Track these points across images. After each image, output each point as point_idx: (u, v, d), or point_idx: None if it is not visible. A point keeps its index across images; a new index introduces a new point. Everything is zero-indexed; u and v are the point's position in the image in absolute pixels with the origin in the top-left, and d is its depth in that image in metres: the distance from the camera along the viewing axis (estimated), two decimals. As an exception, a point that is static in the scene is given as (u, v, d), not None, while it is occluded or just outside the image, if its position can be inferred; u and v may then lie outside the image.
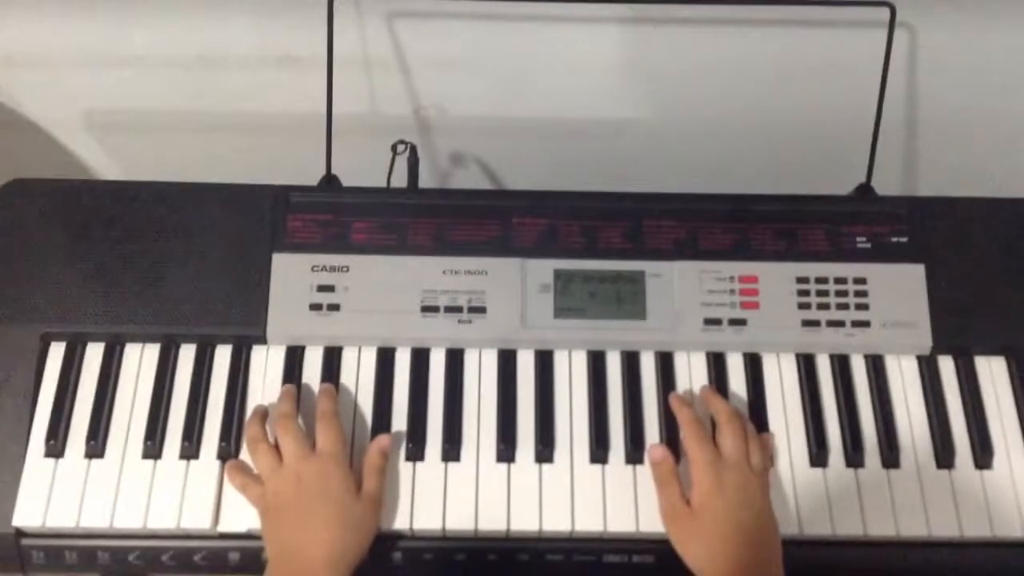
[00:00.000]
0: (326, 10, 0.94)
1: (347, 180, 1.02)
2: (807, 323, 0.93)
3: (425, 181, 1.13)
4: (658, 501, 0.85)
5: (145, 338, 0.93)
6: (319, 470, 0.84)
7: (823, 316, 0.93)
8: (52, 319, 0.92)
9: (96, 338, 0.92)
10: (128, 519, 0.86)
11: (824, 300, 0.94)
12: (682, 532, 0.83)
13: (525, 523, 0.87)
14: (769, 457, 0.88)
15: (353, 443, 0.89)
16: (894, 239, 0.95)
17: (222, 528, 0.86)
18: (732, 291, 0.94)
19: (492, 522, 0.86)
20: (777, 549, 0.83)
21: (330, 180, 1.00)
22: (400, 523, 0.86)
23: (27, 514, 0.85)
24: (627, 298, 0.94)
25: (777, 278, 0.94)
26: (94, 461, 0.88)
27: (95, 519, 0.86)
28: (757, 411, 0.91)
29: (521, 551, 0.87)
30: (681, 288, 0.94)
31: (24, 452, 0.88)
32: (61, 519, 0.85)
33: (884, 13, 0.94)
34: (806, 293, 0.94)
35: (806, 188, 0.99)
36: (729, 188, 1.00)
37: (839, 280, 0.94)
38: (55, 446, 0.88)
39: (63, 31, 1.02)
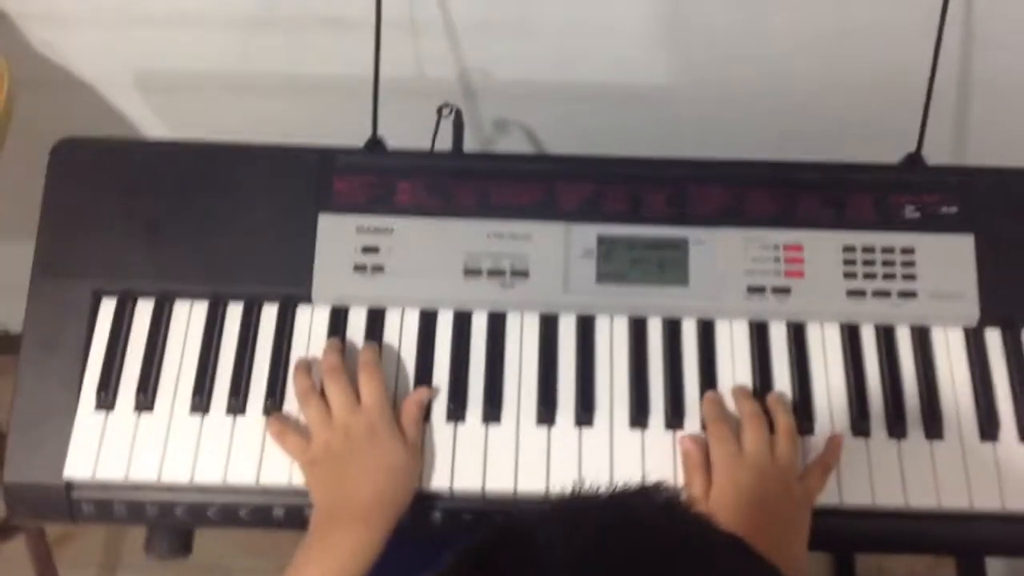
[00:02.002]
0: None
1: (393, 143, 1.02)
2: (852, 293, 0.92)
3: (469, 145, 1.13)
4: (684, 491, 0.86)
5: (193, 295, 0.94)
6: (367, 423, 0.85)
7: (869, 286, 0.92)
8: (103, 276, 0.93)
9: (146, 294, 0.94)
10: (175, 473, 0.88)
11: (870, 270, 0.93)
12: None
13: (564, 486, 0.87)
14: (797, 451, 0.86)
15: (396, 405, 0.90)
16: (943, 209, 0.94)
17: (263, 480, 0.87)
18: (776, 259, 0.93)
19: (531, 484, 0.87)
20: (801, 547, 0.82)
21: (376, 143, 1.00)
22: (440, 483, 0.88)
23: (78, 466, 0.88)
24: (670, 264, 0.93)
25: (823, 247, 0.93)
26: (143, 415, 0.90)
27: (143, 472, 0.88)
28: (800, 381, 0.91)
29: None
30: (724, 255, 0.93)
31: (76, 405, 0.90)
32: (110, 472, 0.88)
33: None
34: (852, 262, 0.93)
35: (854, 156, 0.98)
36: (775, 155, 0.99)
37: (886, 250, 0.93)
38: (105, 399, 0.90)
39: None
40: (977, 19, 0.98)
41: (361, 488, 0.83)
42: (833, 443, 0.87)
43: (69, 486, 0.88)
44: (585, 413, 0.90)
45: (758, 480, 0.83)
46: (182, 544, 0.94)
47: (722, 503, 0.82)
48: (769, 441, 0.85)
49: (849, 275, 0.93)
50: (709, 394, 0.90)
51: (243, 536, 1.53)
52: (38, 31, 1.08)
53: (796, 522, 0.83)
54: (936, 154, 0.97)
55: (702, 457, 0.86)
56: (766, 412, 0.88)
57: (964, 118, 1.08)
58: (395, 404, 0.90)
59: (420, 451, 0.87)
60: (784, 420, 0.87)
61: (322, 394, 0.88)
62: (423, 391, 0.89)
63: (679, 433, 0.89)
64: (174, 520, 0.90)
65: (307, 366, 0.90)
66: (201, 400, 0.90)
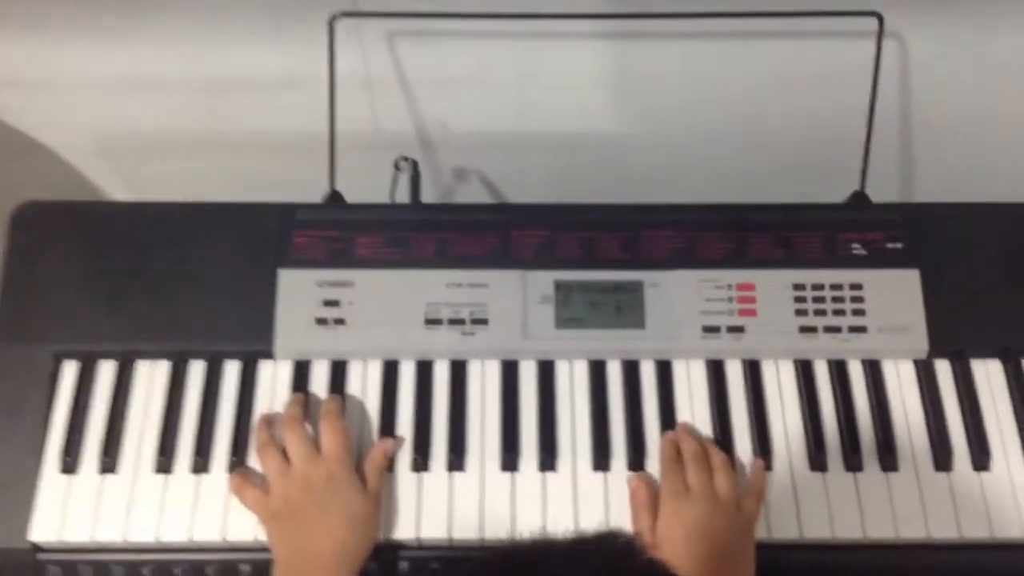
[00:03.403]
0: (327, 31, 0.96)
1: (351, 196, 1.04)
2: (804, 329, 0.94)
3: (427, 196, 1.15)
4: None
5: (156, 355, 0.95)
6: (327, 472, 0.85)
7: (820, 322, 0.95)
8: (65, 339, 0.94)
9: (108, 356, 0.94)
10: (141, 533, 0.88)
11: (821, 306, 0.95)
12: None
13: (530, 531, 0.88)
14: (735, 483, 0.88)
15: (359, 456, 0.91)
16: (889, 245, 0.97)
17: (229, 537, 0.88)
18: (730, 299, 0.95)
19: (498, 530, 0.88)
20: (748, 574, 0.84)
21: (334, 197, 1.01)
22: (406, 532, 0.88)
23: (43, 529, 0.87)
24: (627, 307, 0.95)
25: (774, 285, 0.96)
26: (108, 476, 0.90)
27: (109, 533, 0.88)
28: (758, 417, 0.93)
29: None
30: (679, 297, 0.95)
31: (40, 468, 0.90)
32: (76, 534, 0.87)
33: (872, 23, 0.96)
34: (803, 300, 0.95)
35: (801, 196, 1.00)
36: (726, 198, 1.01)
37: (835, 286, 0.95)
38: (70, 462, 0.90)
39: (70, 55, 1.04)
40: (914, 61, 1.02)
41: (321, 539, 0.83)
42: (756, 468, 0.90)
43: (35, 549, 0.88)
44: (548, 458, 0.91)
45: (702, 513, 0.85)
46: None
47: (669, 536, 0.84)
48: (710, 476, 0.87)
49: (800, 312, 0.95)
50: (666, 434, 0.91)
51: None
52: (-2, 97, 1.09)
53: (741, 549, 0.85)
54: (883, 191, 1.00)
55: (648, 495, 0.87)
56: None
57: (906, 156, 1.12)
58: (359, 456, 0.90)
59: (380, 500, 0.87)
60: (718, 456, 0.89)
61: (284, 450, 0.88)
62: (389, 442, 0.90)
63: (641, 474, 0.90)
64: (140, 582, 0.90)
65: (268, 421, 0.90)
66: (165, 460, 0.90)
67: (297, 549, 0.83)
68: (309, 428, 0.90)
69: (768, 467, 0.91)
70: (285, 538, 0.85)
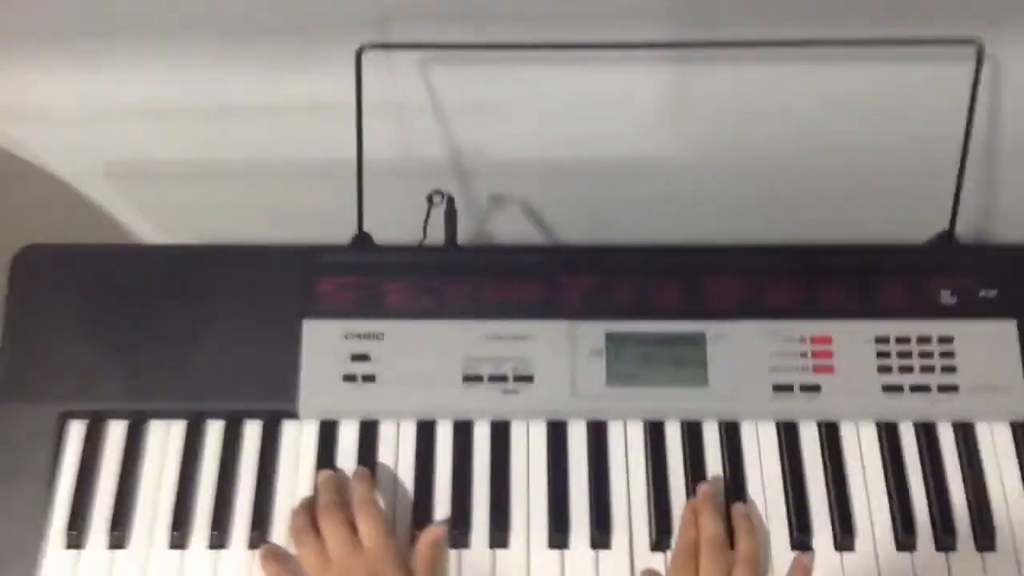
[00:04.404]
0: (354, 59, 0.87)
1: (381, 230, 0.95)
2: (888, 388, 0.85)
3: (464, 226, 1.06)
4: None
5: (169, 415, 0.87)
6: (369, 569, 0.77)
7: (906, 380, 0.85)
8: (70, 396, 0.86)
9: (118, 415, 0.87)
10: (153, 616, 0.80)
11: (906, 362, 0.85)
12: None
13: (581, 616, 0.79)
14: None
15: (394, 527, 0.82)
16: (982, 292, 0.87)
17: (253, 625, 0.80)
18: (804, 353, 0.86)
19: (545, 616, 0.79)
20: None
21: (362, 238, 0.93)
22: (445, 619, 0.80)
23: (47, 611, 0.80)
24: (687, 362, 0.86)
25: (853, 338, 0.86)
26: (117, 552, 0.82)
27: (119, 616, 0.80)
28: (837, 487, 0.83)
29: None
30: (746, 350, 0.86)
31: (43, 543, 0.82)
32: (83, 616, 0.80)
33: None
34: (886, 355, 0.85)
35: (879, 237, 0.90)
36: (792, 236, 0.92)
37: (922, 339, 0.86)
38: (76, 537, 0.82)
39: (81, 82, 0.96)
40: (1009, 89, 0.91)
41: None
42: (797, 565, 0.79)
43: (38, 633, 0.80)
44: (601, 535, 0.82)
45: None
46: None
47: None
48: (727, 573, 0.77)
49: (884, 368, 0.85)
50: (688, 505, 0.82)
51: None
52: (4, 127, 1.01)
53: None
54: (970, 232, 0.90)
55: None
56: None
57: (998, 192, 1.00)
58: (393, 531, 0.82)
59: None
60: (746, 545, 0.79)
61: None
62: (437, 529, 0.81)
63: (705, 553, 0.81)
64: (154, 666, 0.82)
65: (309, 504, 0.82)
66: (180, 535, 0.82)
67: None
68: (345, 513, 0.81)
69: (850, 547, 0.81)
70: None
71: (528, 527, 0.83)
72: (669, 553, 0.81)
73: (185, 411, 0.87)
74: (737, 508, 0.82)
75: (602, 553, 0.82)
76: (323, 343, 0.86)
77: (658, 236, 0.93)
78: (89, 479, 0.84)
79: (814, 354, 0.86)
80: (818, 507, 0.83)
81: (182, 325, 0.88)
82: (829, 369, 0.85)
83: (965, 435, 0.85)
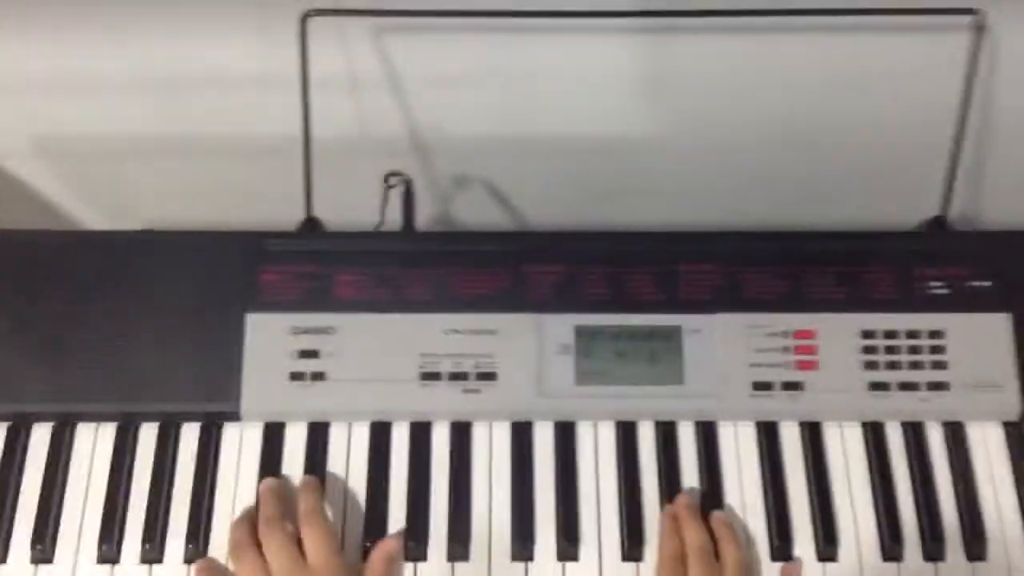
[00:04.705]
0: (298, 26, 0.80)
1: (333, 214, 0.89)
2: (875, 386, 0.79)
3: (424, 209, 1.00)
4: None
5: (99, 417, 0.80)
6: None
7: (893, 377, 0.79)
8: (-11, 397, 0.79)
9: (42, 418, 0.80)
10: (81, 638, 0.73)
11: (894, 358, 0.80)
12: None
13: (548, 635, 0.74)
14: None
15: (344, 541, 0.76)
16: (975, 283, 0.81)
17: (191, 648, 0.73)
18: (785, 348, 0.80)
19: (508, 634, 0.74)
20: None
21: (311, 223, 0.86)
22: (400, 640, 0.74)
23: (-37, 634, 0.73)
24: (662, 359, 0.80)
25: (838, 332, 0.80)
26: (42, 568, 0.75)
27: (43, 639, 0.73)
28: (819, 492, 0.78)
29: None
30: (725, 346, 0.80)
31: (-42, 559, 0.75)
32: (4, 639, 0.73)
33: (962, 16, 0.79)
34: (873, 350, 0.80)
35: (866, 221, 0.85)
36: (774, 221, 0.86)
37: (911, 334, 0.80)
38: (-5, 551, 0.75)
39: (4, 51, 0.88)
40: (1008, 63, 0.85)
41: None
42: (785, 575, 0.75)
43: (-44, 656, 0.73)
44: (569, 546, 0.76)
45: None
46: None
47: None
48: None
49: (870, 365, 0.80)
50: (667, 511, 0.76)
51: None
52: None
53: None
54: (965, 217, 0.84)
55: None
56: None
57: (988, 173, 0.94)
58: (343, 543, 0.76)
59: None
60: (732, 554, 0.74)
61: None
62: (391, 542, 0.75)
63: (680, 564, 0.75)
64: None
65: (251, 516, 0.75)
66: (110, 548, 0.76)
67: None
68: (290, 526, 0.74)
69: (832, 556, 0.76)
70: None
71: (490, 538, 0.77)
72: (641, 565, 0.76)
73: (116, 413, 0.80)
74: (717, 516, 0.76)
75: (569, 565, 0.76)
76: (268, 338, 0.80)
77: (631, 221, 0.87)
78: (10, 487, 0.77)
79: (797, 349, 0.80)
80: (799, 514, 0.78)
81: (113, 319, 0.81)
82: (812, 365, 0.80)
83: (955, 436, 0.80)
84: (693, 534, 0.74)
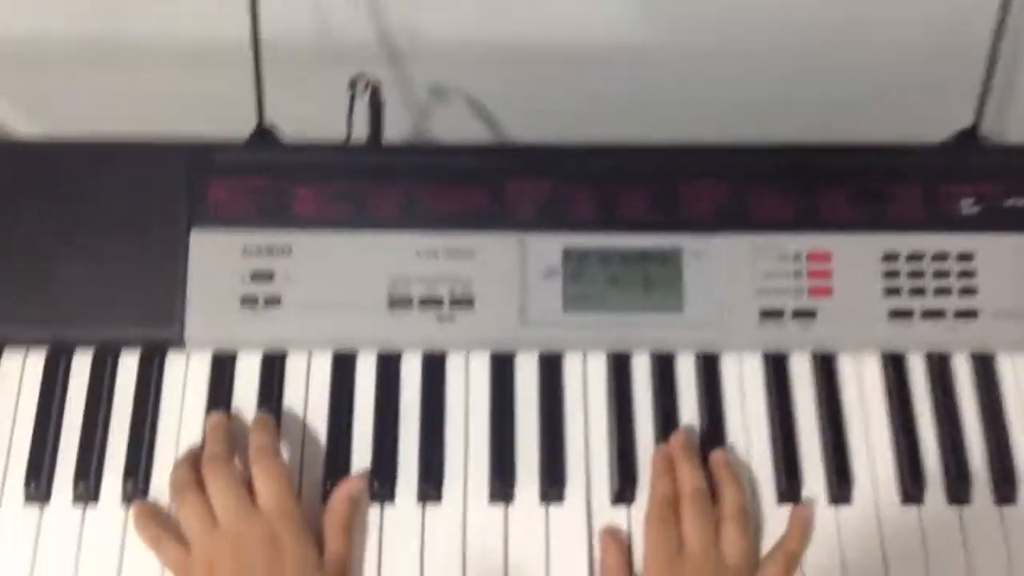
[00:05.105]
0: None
1: (295, 128, 0.79)
2: (896, 313, 0.72)
3: (399, 123, 0.91)
4: None
5: (27, 342, 0.72)
6: (265, 534, 0.63)
7: (917, 304, 0.72)
8: (-98, 320, 0.70)
9: (-37, 344, 0.71)
10: (7, 585, 0.66)
11: (918, 283, 0.72)
12: None
13: (529, 583, 0.66)
14: (750, 538, 0.66)
15: (301, 483, 0.68)
16: (1009, 201, 0.73)
17: (126, 592, 0.66)
18: (797, 273, 0.72)
19: (484, 584, 0.66)
20: None
21: (263, 133, 0.77)
22: (365, 588, 0.66)
23: None
24: (659, 283, 0.72)
25: (856, 255, 0.72)
26: (-38, 509, 0.67)
27: (-36, 587, 0.66)
28: (832, 430, 0.70)
29: (523, 619, 0.67)
30: (730, 269, 0.72)
31: None
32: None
33: None
34: (894, 274, 0.72)
35: (889, 134, 0.76)
36: (785, 133, 0.77)
37: (938, 256, 0.72)
38: (-92, 492, 0.67)
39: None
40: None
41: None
42: (796, 519, 0.67)
43: None
44: (553, 486, 0.68)
45: None
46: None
47: None
48: (714, 531, 0.65)
49: (891, 291, 0.72)
50: (658, 451, 0.69)
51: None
52: None
53: None
54: (999, 129, 0.76)
55: (621, 558, 0.66)
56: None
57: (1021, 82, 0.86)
58: (301, 487, 0.68)
59: (347, 568, 0.65)
60: (732, 497, 0.67)
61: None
62: (354, 482, 0.67)
63: (674, 507, 0.68)
64: (12, 643, 0.67)
65: (195, 456, 0.67)
66: (39, 487, 0.68)
67: None
68: (238, 464, 0.66)
69: (846, 499, 0.69)
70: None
71: (465, 478, 0.69)
72: (633, 507, 0.68)
73: (47, 338, 0.71)
74: (717, 456, 0.69)
75: (554, 508, 0.68)
76: (216, 258, 0.71)
77: (626, 135, 0.79)
78: (-74, 422, 0.69)
79: (810, 273, 0.72)
80: (810, 453, 0.70)
81: (45, 235, 0.72)
82: (827, 291, 0.72)
83: (984, 368, 0.72)
84: (688, 476, 0.67)
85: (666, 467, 0.68)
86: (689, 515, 0.66)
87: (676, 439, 0.69)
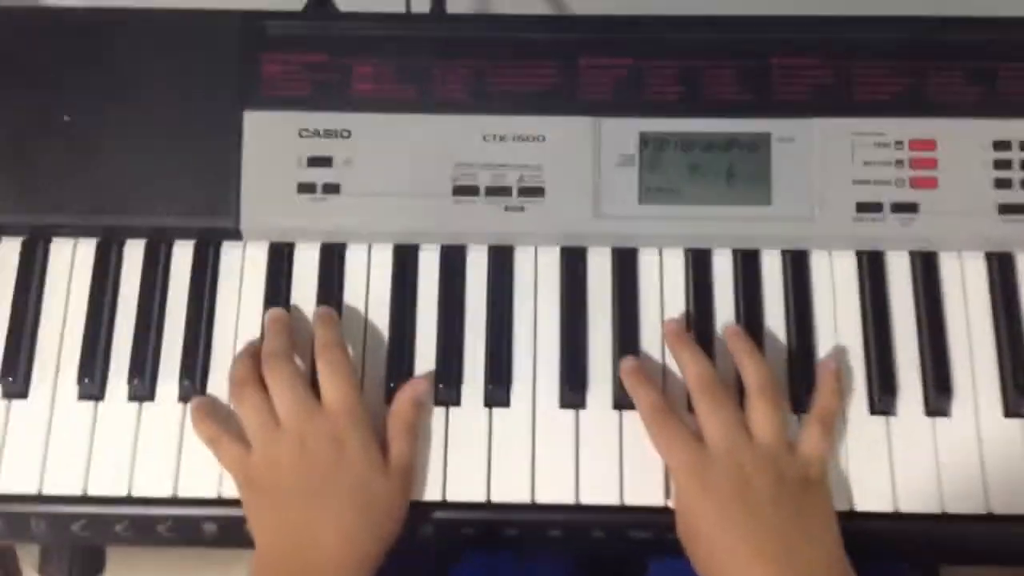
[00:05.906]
0: None
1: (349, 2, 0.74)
2: (1006, 208, 0.65)
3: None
4: None
5: (77, 231, 0.69)
6: (330, 434, 0.60)
7: (1030, 198, 0.65)
8: (-53, 208, 0.67)
9: (11, 231, 0.69)
10: (63, 481, 0.64)
11: (1032, 175, 0.66)
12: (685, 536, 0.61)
13: (598, 493, 0.63)
14: (779, 415, 0.61)
15: (362, 380, 0.65)
16: None
17: (182, 492, 0.64)
18: (899, 162, 0.66)
19: (554, 489, 0.63)
20: (822, 547, 0.59)
21: (321, 1, 0.71)
22: (431, 492, 0.63)
23: (-71, 473, 0.64)
24: (744, 173, 0.66)
25: (964, 142, 0.66)
26: (15, 403, 0.65)
27: (21, 481, 0.64)
28: (932, 332, 0.65)
29: (595, 526, 0.64)
30: (823, 157, 0.66)
31: (-84, 391, 0.65)
32: (-26, 480, 0.64)
33: None
34: (1006, 164, 0.66)
35: (1002, 6, 0.68)
36: (888, 6, 0.70)
37: (1057, 145, 0.66)
38: (-42, 384, 0.65)
39: None
40: None
41: (322, 534, 0.58)
42: (825, 373, 0.63)
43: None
44: (626, 391, 0.64)
45: (732, 478, 0.59)
46: (90, 564, 0.71)
47: (692, 528, 0.59)
48: (739, 414, 0.61)
49: (1002, 183, 0.66)
50: (669, 324, 0.65)
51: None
52: None
53: (803, 515, 0.58)
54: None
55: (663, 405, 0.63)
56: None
57: None
58: (363, 386, 0.65)
59: (410, 472, 0.62)
60: (754, 371, 0.62)
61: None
62: (418, 384, 0.64)
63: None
64: (72, 537, 0.66)
65: (255, 351, 0.64)
66: (92, 383, 0.65)
67: (286, 544, 0.59)
68: (300, 363, 0.63)
69: (944, 411, 0.64)
70: (270, 523, 0.60)
71: (534, 381, 0.65)
72: (713, 414, 0.64)
73: (96, 227, 0.68)
74: (730, 330, 0.65)
75: (626, 413, 0.64)
76: (271, 142, 0.67)
77: (711, 7, 0.72)
78: (-25, 312, 0.67)
79: (912, 163, 0.66)
80: (906, 361, 0.65)
81: (92, 116, 0.68)
82: (930, 183, 0.66)
83: (1105, 270, 0.66)
84: (689, 363, 0.63)
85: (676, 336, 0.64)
86: (702, 405, 0.61)
87: (668, 327, 0.65)
